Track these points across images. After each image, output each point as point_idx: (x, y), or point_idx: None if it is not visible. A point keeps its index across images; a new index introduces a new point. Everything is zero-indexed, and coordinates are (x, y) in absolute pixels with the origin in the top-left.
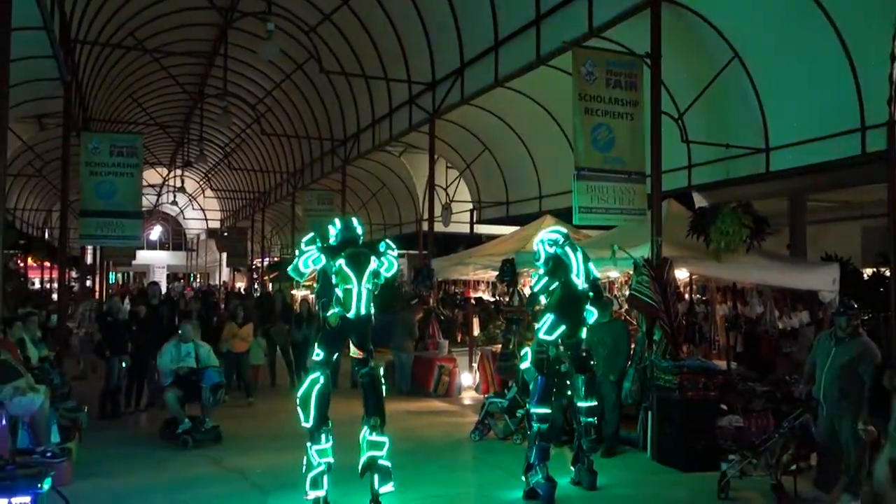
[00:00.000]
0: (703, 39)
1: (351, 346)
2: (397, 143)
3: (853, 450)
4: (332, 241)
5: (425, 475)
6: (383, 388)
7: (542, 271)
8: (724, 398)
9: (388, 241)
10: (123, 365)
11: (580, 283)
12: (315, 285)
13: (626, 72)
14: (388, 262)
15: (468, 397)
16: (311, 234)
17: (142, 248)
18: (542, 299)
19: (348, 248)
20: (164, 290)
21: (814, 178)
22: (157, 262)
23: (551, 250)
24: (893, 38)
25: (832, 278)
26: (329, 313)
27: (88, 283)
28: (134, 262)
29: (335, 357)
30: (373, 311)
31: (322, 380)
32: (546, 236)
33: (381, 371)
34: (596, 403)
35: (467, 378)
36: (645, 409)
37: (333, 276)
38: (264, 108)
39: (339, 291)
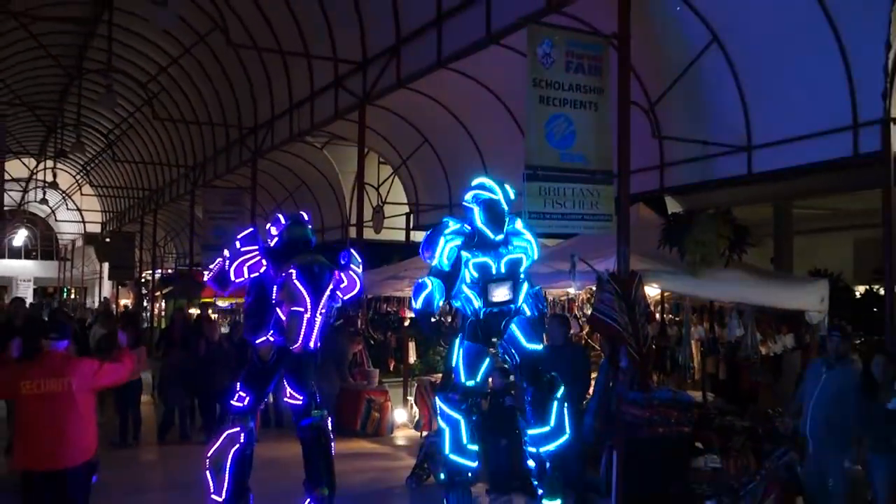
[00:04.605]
0: (679, 19)
1: (287, 387)
2: (320, 133)
3: (840, 493)
4: (273, 242)
5: None
6: (332, 445)
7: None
8: (699, 435)
9: (352, 251)
10: None
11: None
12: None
13: (589, 54)
14: (349, 281)
15: (402, 437)
16: (250, 230)
17: (2, 256)
18: None
19: (299, 254)
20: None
21: (801, 182)
22: (22, 273)
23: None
24: (889, 24)
25: (821, 296)
26: (259, 341)
27: None
28: None
29: (265, 402)
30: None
31: (244, 438)
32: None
33: (330, 423)
34: (547, 429)
35: (401, 414)
36: (609, 448)
37: (275, 291)
38: (158, 87)
39: (280, 313)
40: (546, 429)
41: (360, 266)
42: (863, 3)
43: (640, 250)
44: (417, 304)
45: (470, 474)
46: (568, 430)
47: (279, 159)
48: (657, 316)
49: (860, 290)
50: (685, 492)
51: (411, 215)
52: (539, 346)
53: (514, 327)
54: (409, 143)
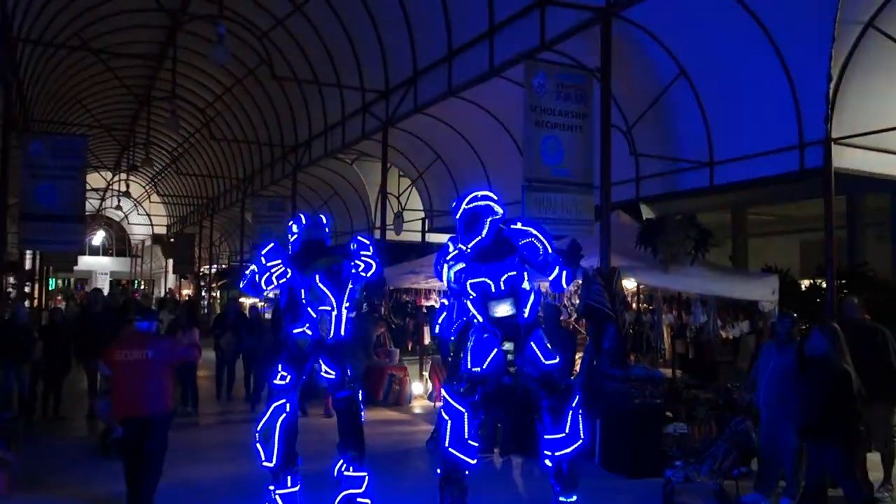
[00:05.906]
0: (652, 56)
1: (322, 366)
2: (350, 151)
3: (789, 455)
4: (293, 239)
5: (378, 487)
6: (363, 414)
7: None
8: (669, 406)
9: (359, 238)
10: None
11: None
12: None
13: (576, 85)
14: (365, 265)
15: (419, 406)
16: (271, 245)
17: (84, 253)
18: None
19: (320, 257)
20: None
21: (754, 192)
22: (99, 268)
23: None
24: (830, 59)
25: (772, 289)
26: (296, 332)
27: (27, 289)
28: (76, 268)
29: (304, 379)
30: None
31: (288, 408)
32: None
33: (361, 395)
34: (563, 435)
35: (418, 387)
36: (593, 417)
37: (304, 293)
38: (214, 112)
39: (311, 311)
40: (561, 435)
41: (371, 248)
42: (808, 41)
43: (619, 250)
44: (436, 330)
45: (467, 472)
46: (582, 435)
47: (315, 173)
48: (634, 305)
49: (805, 284)
50: (657, 454)
51: (426, 220)
52: (556, 361)
53: (533, 345)
54: (425, 159)
